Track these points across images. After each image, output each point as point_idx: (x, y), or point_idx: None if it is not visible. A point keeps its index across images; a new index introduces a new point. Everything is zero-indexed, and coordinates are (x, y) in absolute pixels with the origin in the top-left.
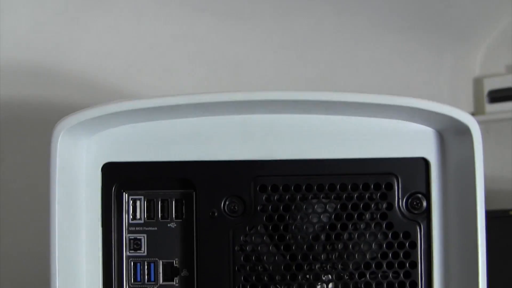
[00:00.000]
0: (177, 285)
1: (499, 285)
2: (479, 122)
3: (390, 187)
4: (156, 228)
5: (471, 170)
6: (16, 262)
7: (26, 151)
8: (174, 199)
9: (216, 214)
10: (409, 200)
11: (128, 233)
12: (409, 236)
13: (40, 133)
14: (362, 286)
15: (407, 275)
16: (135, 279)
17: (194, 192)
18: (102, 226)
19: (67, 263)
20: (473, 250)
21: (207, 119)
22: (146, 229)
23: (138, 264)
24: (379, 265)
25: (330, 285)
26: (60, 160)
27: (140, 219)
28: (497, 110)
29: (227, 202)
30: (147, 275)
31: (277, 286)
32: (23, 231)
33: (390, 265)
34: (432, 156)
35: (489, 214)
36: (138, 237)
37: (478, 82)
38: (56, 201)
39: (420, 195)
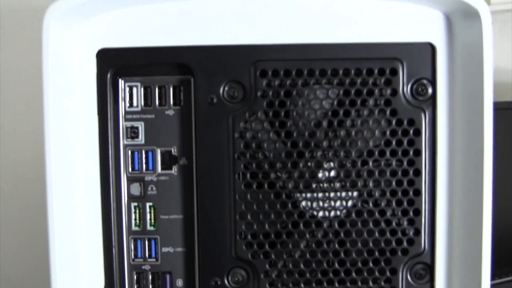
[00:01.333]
0: (175, 173)
1: (503, 176)
2: None
3: (394, 72)
4: (153, 116)
5: (479, 56)
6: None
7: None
8: (171, 86)
9: (215, 100)
10: (414, 86)
11: (125, 121)
12: (414, 123)
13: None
14: (365, 174)
15: (410, 163)
16: (132, 168)
17: (192, 78)
18: (98, 114)
19: (62, 152)
20: (479, 138)
21: (205, 1)
22: (143, 116)
23: (136, 152)
24: (382, 153)
25: (332, 172)
26: (52, 47)
27: (137, 106)
28: (503, 1)
29: (226, 88)
30: (145, 163)
31: (278, 173)
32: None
33: (393, 153)
34: (439, 41)
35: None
36: (135, 125)
37: None
38: (49, 90)
39: (425, 81)
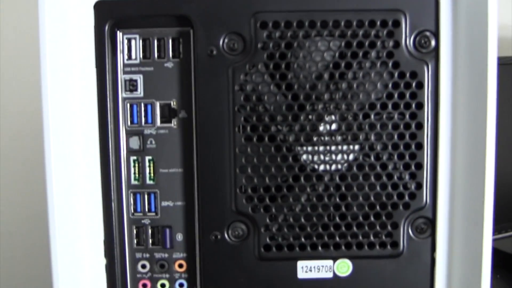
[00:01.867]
0: (175, 126)
1: (505, 130)
2: None
3: (397, 24)
4: (152, 68)
5: (484, 8)
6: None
7: None
8: (170, 38)
9: (214, 52)
10: (417, 38)
11: (123, 74)
12: (416, 76)
13: None
14: (367, 127)
15: (413, 116)
16: (131, 122)
17: (191, 30)
18: (96, 67)
19: (59, 105)
20: (482, 91)
21: None
22: (142, 69)
23: (135, 105)
24: (384, 106)
25: (333, 125)
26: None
27: (135, 59)
28: None
29: (226, 40)
30: (144, 117)
31: (278, 126)
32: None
33: (395, 106)
34: None
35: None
36: (133, 78)
37: None
38: (46, 43)
39: (428, 33)
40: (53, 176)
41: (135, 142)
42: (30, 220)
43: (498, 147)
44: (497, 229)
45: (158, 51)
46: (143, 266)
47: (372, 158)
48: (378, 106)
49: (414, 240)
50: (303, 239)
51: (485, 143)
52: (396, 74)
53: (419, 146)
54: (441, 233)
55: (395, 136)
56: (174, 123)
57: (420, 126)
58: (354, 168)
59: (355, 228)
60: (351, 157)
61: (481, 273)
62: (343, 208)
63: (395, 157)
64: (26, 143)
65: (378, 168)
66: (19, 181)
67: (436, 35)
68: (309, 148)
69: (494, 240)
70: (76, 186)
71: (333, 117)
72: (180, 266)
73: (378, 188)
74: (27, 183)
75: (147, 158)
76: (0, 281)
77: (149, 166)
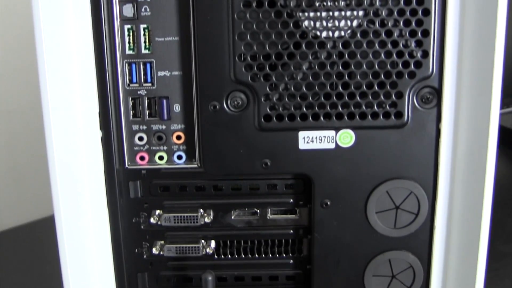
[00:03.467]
0: None
1: None
2: None
3: None
4: None
5: None
6: None
7: None
8: None
9: None
10: None
11: None
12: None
13: None
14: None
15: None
16: None
17: None
18: None
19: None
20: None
21: None
22: None
23: None
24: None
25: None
26: None
27: None
28: None
29: None
30: None
31: None
32: None
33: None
34: None
35: None
36: None
37: None
38: None
39: None
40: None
41: (129, 10)
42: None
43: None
44: (506, 102)
45: None
46: (140, 139)
47: (377, 24)
48: (383, 33)
49: (419, 110)
50: (304, 109)
51: (496, 8)
52: (402, 1)
53: (427, 12)
54: (447, 103)
55: (401, 1)
56: None
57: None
58: (358, 35)
59: (358, 98)
60: (355, 23)
61: (488, 144)
62: (346, 77)
63: (401, 23)
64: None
65: (383, 35)
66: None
67: None
68: (311, 14)
69: (503, 114)
70: (68, 57)
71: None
72: (178, 138)
73: (382, 56)
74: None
75: (142, 26)
76: None
77: (144, 35)
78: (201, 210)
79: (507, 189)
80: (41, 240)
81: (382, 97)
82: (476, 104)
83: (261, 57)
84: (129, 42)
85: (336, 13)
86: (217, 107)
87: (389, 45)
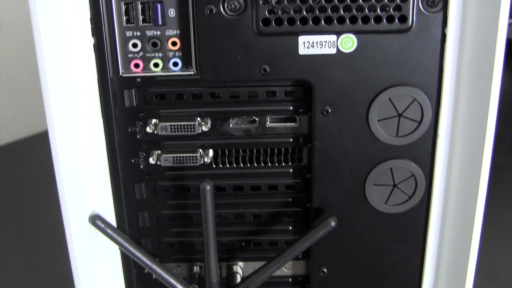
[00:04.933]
0: None
1: None
2: None
3: None
4: None
5: None
6: None
7: None
8: None
9: None
10: None
11: None
12: None
13: None
14: None
15: None
16: None
17: None
18: None
19: None
20: None
21: None
22: None
23: None
24: None
25: None
26: None
27: None
28: None
29: None
30: None
31: None
32: None
33: None
34: None
35: None
36: None
37: None
38: None
39: None
40: None
41: None
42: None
43: None
44: None
45: None
46: (134, 45)
47: None
48: None
49: (424, 14)
50: (304, 12)
51: None
52: None
53: None
54: (453, 7)
55: None
56: None
57: None
58: None
59: (360, 1)
60: None
61: (495, 51)
62: None
63: None
64: None
65: None
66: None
67: None
68: None
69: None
70: None
71: None
72: (174, 44)
73: None
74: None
75: None
76: None
77: None
78: (198, 119)
79: (510, 103)
80: (37, 155)
81: (385, 0)
82: (483, 10)
83: None
84: None
85: None
86: (214, 11)
87: None
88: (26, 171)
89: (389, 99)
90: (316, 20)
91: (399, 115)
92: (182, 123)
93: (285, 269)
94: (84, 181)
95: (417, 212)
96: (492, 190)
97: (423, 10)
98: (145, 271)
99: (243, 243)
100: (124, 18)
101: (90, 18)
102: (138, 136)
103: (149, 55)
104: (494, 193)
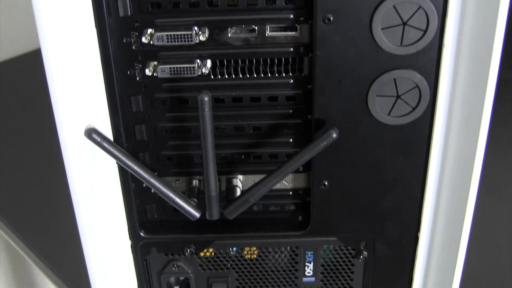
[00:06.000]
0: None
1: None
2: None
3: None
4: None
5: None
6: None
7: None
8: None
9: None
10: None
11: None
12: None
13: None
14: None
15: None
16: None
17: None
18: None
19: None
20: None
21: None
22: None
23: None
24: None
25: None
26: None
27: None
28: None
29: None
30: None
31: None
32: None
33: None
34: None
35: None
36: None
37: None
38: None
39: None
40: None
41: None
42: None
43: None
44: None
45: None
46: None
47: None
48: None
49: None
50: None
51: None
52: None
53: None
54: None
55: None
56: None
57: None
58: None
59: None
60: None
61: None
62: None
63: None
64: None
65: None
66: None
67: None
68: None
69: None
70: None
71: None
72: None
73: None
74: None
75: None
76: None
77: None
78: (196, 28)
79: None
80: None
81: None
82: None
83: None
84: None
85: None
86: None
87: None
88: (27, 86)
89: (394, 6)
90: None
91: (404, 23)
92: (179, 33)
93: (286, 182)
94: (79, 95)
95: (421, 123)
96: (494, 105)
97: None
98: (143, 185)
99: (243, 156)
100: None
101: None
102: (134, 47)
103: None
104: (498, 109)
